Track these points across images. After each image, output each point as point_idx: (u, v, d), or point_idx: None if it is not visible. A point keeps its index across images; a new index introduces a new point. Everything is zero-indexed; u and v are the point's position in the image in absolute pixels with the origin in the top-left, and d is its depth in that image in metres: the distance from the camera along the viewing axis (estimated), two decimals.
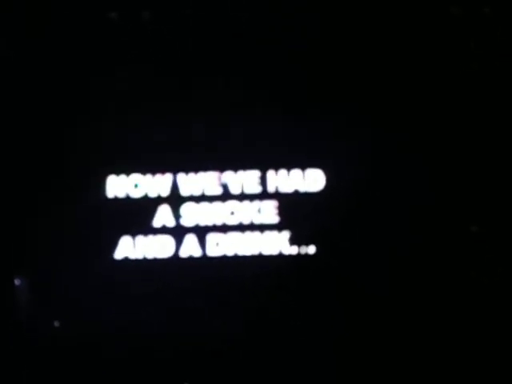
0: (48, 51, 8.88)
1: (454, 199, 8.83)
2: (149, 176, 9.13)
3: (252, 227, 9.09)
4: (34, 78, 8.89)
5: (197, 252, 9.06)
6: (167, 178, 9.13)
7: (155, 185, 9.12)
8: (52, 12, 8.80)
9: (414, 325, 8.58)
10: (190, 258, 9.05)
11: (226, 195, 9.13)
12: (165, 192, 9.12)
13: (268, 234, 9.08)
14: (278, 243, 9.06)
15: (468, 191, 8.82)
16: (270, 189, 9.13)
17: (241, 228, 9.09)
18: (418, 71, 8.89)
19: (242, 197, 9.12)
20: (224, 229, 9.09)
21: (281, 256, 9.04)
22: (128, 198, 9.09)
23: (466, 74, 8.84)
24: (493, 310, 8.56)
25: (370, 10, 8.82)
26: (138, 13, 8.97)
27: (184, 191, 9.13)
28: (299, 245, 9.03)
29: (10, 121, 8.89)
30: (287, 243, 9.05)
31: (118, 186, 9.09)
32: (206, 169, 9.12)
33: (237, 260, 9.03)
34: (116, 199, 9.07)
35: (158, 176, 9.13)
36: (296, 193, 9.11)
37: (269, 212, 9.10)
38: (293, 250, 9.04)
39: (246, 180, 9.13)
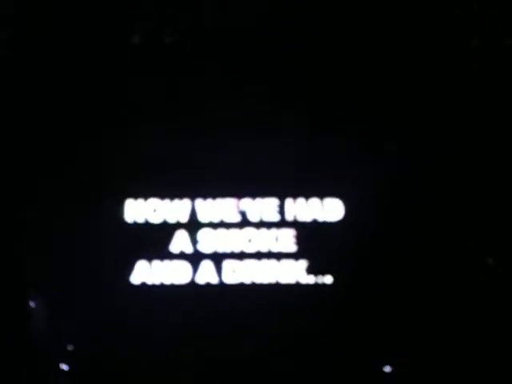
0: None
1: (473, 222, 8.83)
2: (167, 201, 9.12)
3: (269, 255, 9.07)
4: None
5: (213, 279, 9.02)
6: (185, 203, 9.12)
7: (173, 210, 9.10)
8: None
9: (430, 353, 8.56)
10: (207, 285, 9.01)
11: (243, 222, 9.11)
12: (183, 218, 9.10)
13: (285, 262, 9.06)
14: (295, 272, 9.03)
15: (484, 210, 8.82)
16: (288, 217, 9.12)
17: (258, 256, 9.07)
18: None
19: (260, 224, 9.11)
20: (241, 256, 9.06)
21: (298, 285, 9.01)
22: (146, 223, 9.06)
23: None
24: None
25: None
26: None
27: (202, 217, 9.11)
28: (316, 274, 9.01)
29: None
30: (304, 272, 9.03)
31: (137, 210, 9.07)
32: (224, 195, 9.12)
33: (253, 288, 9.00)
34: (134, 224, 9.05)
35: (177, 201, 9.12)
36: (314, 222, 9.10)
37: (286, 240, 9.08)
38: (310, 280, 9.02)
39: (264, 208, 9.13)
